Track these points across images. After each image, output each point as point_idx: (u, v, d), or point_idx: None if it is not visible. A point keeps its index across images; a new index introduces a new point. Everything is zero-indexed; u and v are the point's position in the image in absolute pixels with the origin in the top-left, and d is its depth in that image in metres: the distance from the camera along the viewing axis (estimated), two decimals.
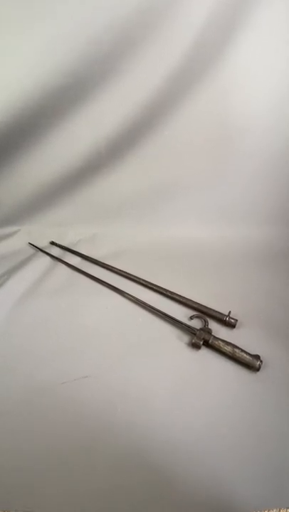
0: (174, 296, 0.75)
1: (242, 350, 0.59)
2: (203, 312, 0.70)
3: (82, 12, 0.65)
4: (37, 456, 0.48)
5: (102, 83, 0.75)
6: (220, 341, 0.61)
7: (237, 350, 0.59)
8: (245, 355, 0.58)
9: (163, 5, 0.66)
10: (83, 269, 0.85)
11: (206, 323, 0.67)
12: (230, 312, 0.67)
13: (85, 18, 0.66)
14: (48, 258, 0.92)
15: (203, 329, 0.64)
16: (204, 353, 0.62)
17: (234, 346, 0.59)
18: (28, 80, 0.72)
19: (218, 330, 0.66)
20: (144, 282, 0.79)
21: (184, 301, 0.73)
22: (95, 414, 0.52)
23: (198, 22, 0.68)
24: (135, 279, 0.81)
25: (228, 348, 0.59)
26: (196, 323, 0.68)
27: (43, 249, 0.95)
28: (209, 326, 0.66)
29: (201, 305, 0.71)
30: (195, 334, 0.63)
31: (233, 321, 0.66)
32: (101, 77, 0.74)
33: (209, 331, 0.63)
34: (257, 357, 0.57)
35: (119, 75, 0.74)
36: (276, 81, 0.75)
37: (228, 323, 0.66)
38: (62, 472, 0.46)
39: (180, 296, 0.74)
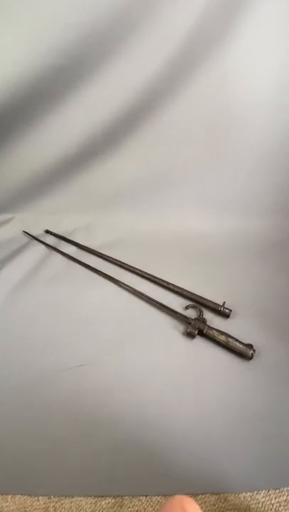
0: (170, 286, 0.75)
1: (235, 340, 0.60)
2: (198, 302, 0.71)
3: None
4: (35, 442, 0.49)
5: (99, 66, 0.72)
6: (214, 331, 0.62)
7: (230, 340, 0.60)
8: (238, 344, 0.59)
9: None
10: (79, 259, 0.85)
11: (200, 313, 0.67)
12: (224, 302, 0.68)
13: None
14: (42, 247, 0.91)
15: (198, 319, 0.65)
16: (199, 342, 0.63)
17: (228, 336, 0.60)
18: (21, 62, 0.68)
19: (212, 319, 0.67)
20: (140, 272, 0.80)
21: (179, 291, 0.74)
22: (91, 402, 0.54)
23: (200, 5, 0.65)
24: (131, 268, 0.81)
25: (221, 338, 0.61)
26: (191, 313, 0.69)
27: (38, 238, 0.94)
28: (204, 316, 0.66)
29: (196, 295, 0.72)
30: (190, 324, 0.64)
31: (227, 311, 0.67)
32: (98, 59, 0.71)
33: (204, 321, 0.64)
34: (250, 346, 0.59)
35: (117, 57, 0.71)
36: (277, 71, 0.73)
37: (223, 313, 0.67)
38: (60, 458, 0.48)
39: (176, 286, 0.74)
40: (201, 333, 0.62)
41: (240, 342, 0.59)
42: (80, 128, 0.83)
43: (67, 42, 0.67)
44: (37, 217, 1.00)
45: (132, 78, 0.74)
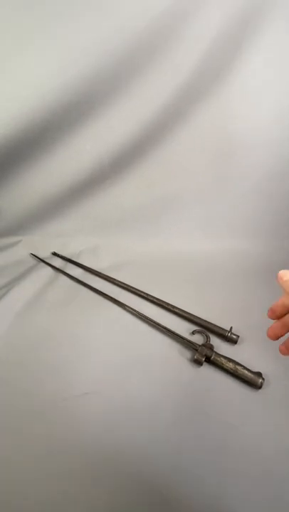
0: (176, 310, 0.75)
1: (244, 368, 0.58)
2: (204, 327, 0.70)
3: (91, 34, 0.68)
4: (36, 473, 0.48)
5: (107, 101, 0.77)
6: (222, 358, 0.61)
7: (239, 368, 0.58)
8: (247, 372, 0.58)
9: (168, 29, 0.68)
10: (85, 281, 0.85)
11: (207, 338, 0.66)
12: (231, 328, 0.67)
13: (93, 40, 0.68)
14: (49, 269, 0.92)
15: (205, 345, 0.64)
16: (206, 369, 0.61)
17: (236, 363, 0.59)
18: (36, 96, 0.74)
19: (219, 345, 0.66)
20: (145, 295, 0.80)
21: (185, 315, 0.73)
22: (95, 431, 0.52)
23: (204, 44, 0.70)
24: (137, 291, 0.81)
25: (230, 365, 0.59)
26: (197, 338, 0.68)
27: (45, 260, 0.95)
28: (211, 342, 0.65)
29: (203, 319, 0.71)
30: (197, 350, 0.62)
31: (234, 336, 0.66)
32: (106, 95, 0.76)
33: (211, 347, 0.63)
34: (259, 374, 0.57)
35: (125, 93, 0.76)
36: (279, 102, 0.77)
37: (230, 338, 0.66)
38: (63, 491, 0.46)
39: (181, 310, 0.74)
40: (208, 360, 0.61)
41: (249, 370, 0.58)
42: (88, 156, 0.87)
43: (78, 80, 0.73)
44: (44, 240, 1.02)
45: (137, 112, 0.79)
